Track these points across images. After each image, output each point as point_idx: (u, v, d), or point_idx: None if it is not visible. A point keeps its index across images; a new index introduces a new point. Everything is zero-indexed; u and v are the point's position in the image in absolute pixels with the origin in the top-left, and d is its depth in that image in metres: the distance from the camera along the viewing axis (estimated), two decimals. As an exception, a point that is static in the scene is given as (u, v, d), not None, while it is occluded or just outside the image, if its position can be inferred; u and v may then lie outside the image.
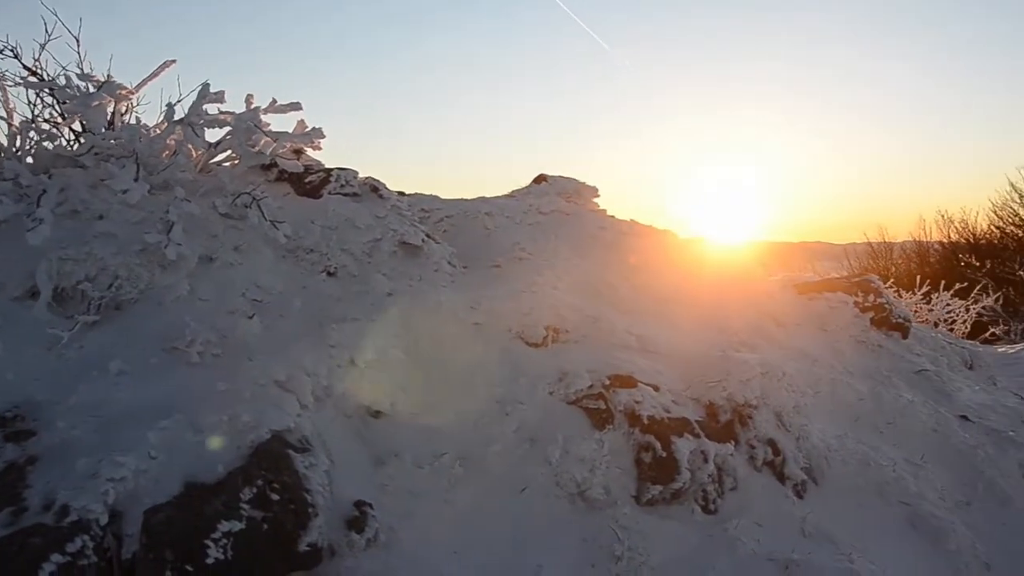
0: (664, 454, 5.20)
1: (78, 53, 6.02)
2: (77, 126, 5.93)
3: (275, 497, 3.90)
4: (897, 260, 26.95)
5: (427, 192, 8.25)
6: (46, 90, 5.85)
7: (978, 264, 21.88)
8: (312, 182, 6.57)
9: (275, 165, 6.38)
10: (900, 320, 9.31)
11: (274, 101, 6.04)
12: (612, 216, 8.44)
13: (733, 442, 5.71)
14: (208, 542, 3.66)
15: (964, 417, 7.89)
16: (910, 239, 27.98)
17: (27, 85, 5.85)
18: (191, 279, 5.23)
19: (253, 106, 5.96)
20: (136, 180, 5.42)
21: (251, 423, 4.15)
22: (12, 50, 5.97)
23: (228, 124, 5.90)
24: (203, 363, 4.65)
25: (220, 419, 4.13)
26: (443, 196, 8.17)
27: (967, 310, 15.09)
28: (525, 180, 9.14)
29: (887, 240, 28.05)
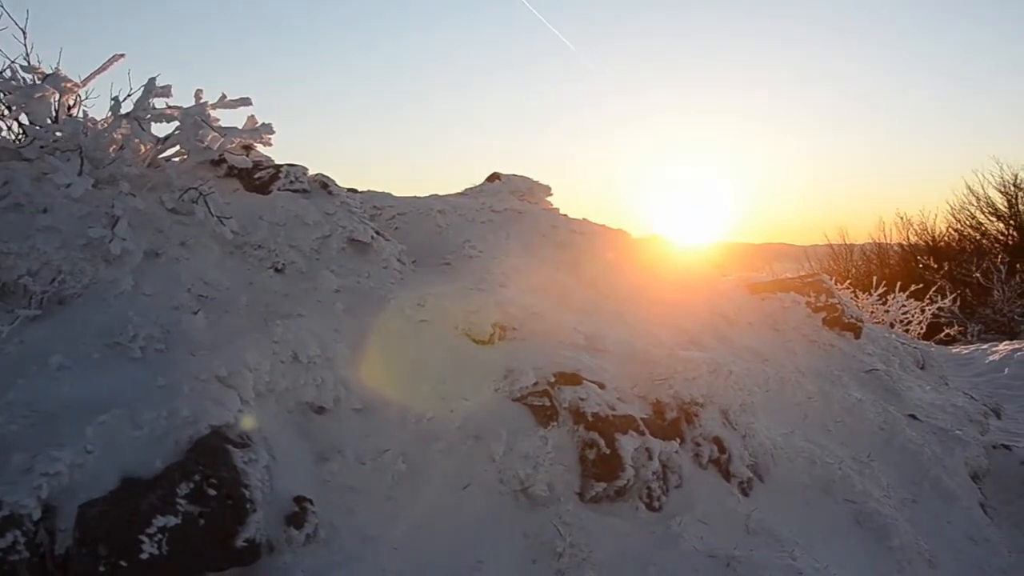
0: (608, 451, 5.21)
1: (25, 45, 5.95)
2: (24, 119, 5.85)
3: (212, 492, 3.88)
4: (857, 262, 27.30)
5: (382, 190, 8.23)
6: (-10, 82, 5.78)
7: (936, 266, 22.20)
8: (261, 178, 6.52)
9: (224, 161, 6.33)
10: (852, 320, 9.43)
11: (223, 96, 5.98)
12: (565, 215, 8.45)
13: (679, 440, 5.74)
14: (143, 537, 3.65)
15: (912, 416, 8.00)
16: (871, 241, 28.38)
17: (-30, 77, 5.77)
18: (136, 274, 5.18)
19: (201, 101, 5.92)
20: (80, 174, 5.36)
21: (190, 418, 4.12)
22: (-44, 43, 5.89)
23: (175, 119, 5.86)
24: (145, 358, 4.61)
25: (159, 414, 4.11)
26: (398, 194, 8.16)
27: (922, 311, 15.28)
28: (482, 179, 9.16)
29: (848, 242, 28.41)
